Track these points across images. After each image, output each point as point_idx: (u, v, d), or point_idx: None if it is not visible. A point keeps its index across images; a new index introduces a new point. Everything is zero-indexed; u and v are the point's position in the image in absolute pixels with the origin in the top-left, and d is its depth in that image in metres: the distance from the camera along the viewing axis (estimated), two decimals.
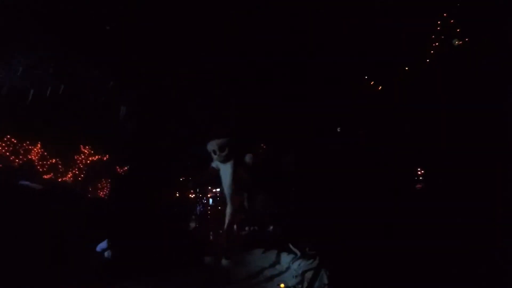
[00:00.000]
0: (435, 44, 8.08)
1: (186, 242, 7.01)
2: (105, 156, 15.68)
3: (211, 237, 7.17)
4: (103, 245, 7.03)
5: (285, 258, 6.43)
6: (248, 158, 6.44)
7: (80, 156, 15.33)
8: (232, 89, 8.60)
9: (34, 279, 5.55)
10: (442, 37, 8.05)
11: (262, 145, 7.23)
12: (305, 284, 5.63)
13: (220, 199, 9.16)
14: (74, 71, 8.60)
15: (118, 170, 16.11)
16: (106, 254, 6.93)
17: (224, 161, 6.14)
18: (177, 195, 8.78)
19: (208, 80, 8.62)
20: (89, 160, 15.53)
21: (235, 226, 6.35)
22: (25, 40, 7.96)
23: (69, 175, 14.79)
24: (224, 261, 5.94)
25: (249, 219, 7.41)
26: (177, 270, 6.35)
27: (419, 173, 8.43)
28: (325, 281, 5.48)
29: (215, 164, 6.27)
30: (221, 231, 6.33)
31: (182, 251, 6.65)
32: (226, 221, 6.07)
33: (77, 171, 15.12)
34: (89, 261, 6.57)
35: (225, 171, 6.14)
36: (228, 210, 6.11)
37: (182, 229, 8.02)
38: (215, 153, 6.13)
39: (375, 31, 8.15)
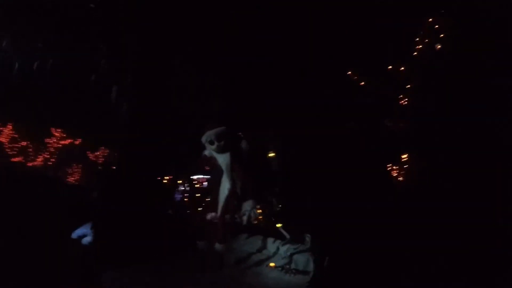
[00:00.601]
0: (420, 46, 8.14)
1: (174, 228, 6.76)
2: (77, 140, 15.04)
3: (202, 223, 7.02)
4: (79, 231, 6.69)
5: (271, 243, 6.18)
6: (244, 144, 6.29)
7: (51, 140, 14.62)
8: (225, 84, 8.47)
9: (8, 272, 5.07)
10: (426, 40, 8.11)
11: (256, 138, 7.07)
12: (293, 265, 5.58)
13: (199, 186, 9.03)
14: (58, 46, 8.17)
15: (90, 155, 15.51)
16: (84, 240, 6.61)
17: (221, 151, 5.98)
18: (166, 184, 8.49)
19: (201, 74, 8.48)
20: (60, 144, 14.85)
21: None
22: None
23: (39, 159, 14.06)
24: (217, 246, 5.86)
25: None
26: (169, 255, 6.17)
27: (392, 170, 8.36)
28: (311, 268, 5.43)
29: (208, 152, 6.11)
30: (213, 217, 6.22)
31: (171, 237, 6.47)
32: (220, 207, 5.96)
33: (48, 155, 14.40)
34: (68, 249, 6.23)
35: (223, 160, 6.01)
36: (223, 197, 5.99)
37: (168, 216, 7.82)
38: (212, 144, 5.97)
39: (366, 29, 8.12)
